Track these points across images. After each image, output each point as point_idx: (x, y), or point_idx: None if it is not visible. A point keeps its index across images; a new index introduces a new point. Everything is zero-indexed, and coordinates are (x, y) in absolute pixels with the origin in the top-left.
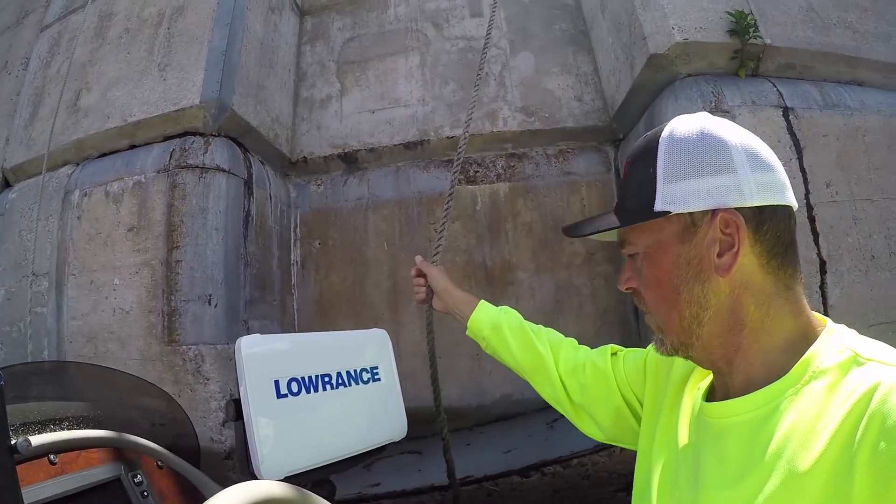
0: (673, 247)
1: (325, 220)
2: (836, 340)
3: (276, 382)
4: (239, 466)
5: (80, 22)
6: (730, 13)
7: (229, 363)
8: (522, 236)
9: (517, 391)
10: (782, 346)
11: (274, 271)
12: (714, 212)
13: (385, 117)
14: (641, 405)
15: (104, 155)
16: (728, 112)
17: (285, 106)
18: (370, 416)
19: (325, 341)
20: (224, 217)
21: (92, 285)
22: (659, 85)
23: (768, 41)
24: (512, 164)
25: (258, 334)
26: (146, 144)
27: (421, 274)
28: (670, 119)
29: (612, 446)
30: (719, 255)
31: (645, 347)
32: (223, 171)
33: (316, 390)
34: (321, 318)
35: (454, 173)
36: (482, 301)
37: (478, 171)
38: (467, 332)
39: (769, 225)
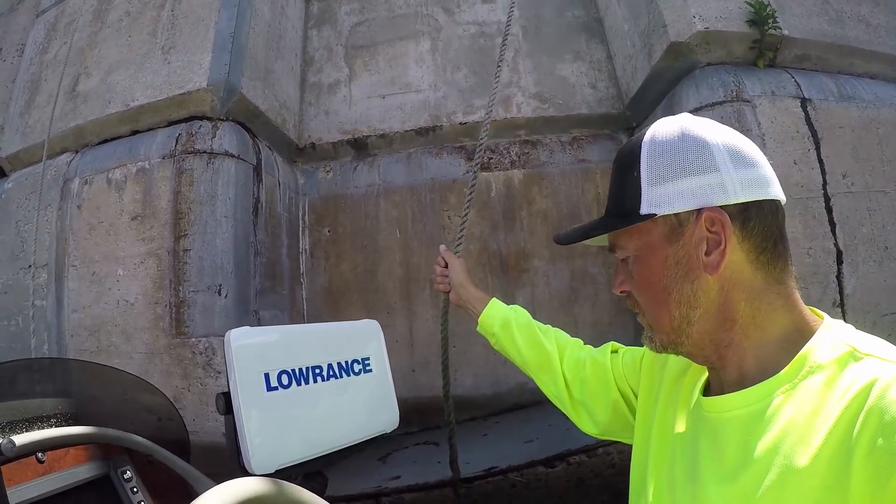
0: (661, 248)
1: (334, 208)
2: (833, 336)
3: (267, 375)
4: (229, 461)
5: (78, 6)
6: (749, 3)
7: None
8: (538, 224)
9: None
10: (776, 340)
11: (283, 260)
12: (699, 211)
13: (396, 102)
14: (637, 398)
15: (105, 142)
16: (749, 101)
17: (292, 91)
18: (362, 408)
19: (315, 333)
20: (234, 204)
21: (94, 277)
22: (677, 73)
23: (786, 32)
24: (526, 150)
25: (248, 326)
26: (149, 130)
27: (444, 263)
28: (691, 106)
29: None
30: (707, 254)
31: None
32: (232, 156)
33: (307, 382)
34: (331, 307)
35: (475, 164)
36: (494, 299)
37: (491, 158)
38: (478, 328)
39: (756, 220)
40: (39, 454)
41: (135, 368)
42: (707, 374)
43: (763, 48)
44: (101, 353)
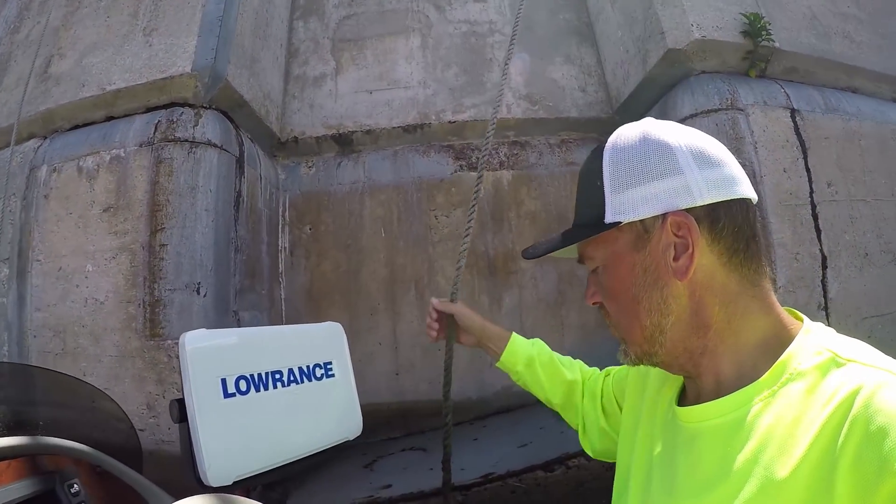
0: (628, 256)
1: (316, 205)
2: (813, 341)
3: (224, 380)
4: (183, 472)
5: None
6: (744, 15)
7: None
8: (526, 225)
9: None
10: (753, 346)
11: (263, 258)
12: (664, 216)
13: (384, 98)
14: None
15: (77, 127)
16: (742, 110)
17: (276, 82)
18: (324, 414)
19: (275, 336)
20: (215, 197)
21: (60, 272)
22: (671, 80)
23: (777, 44)
24: (515, 151)
25: (204, 329)
26: (126, 116)
27: (439, 313)
28: (686, 112)
29: None
30: (675, 259)
31: None
32: (215, 146)
33: (266, 388)
34: (311, 308)
35: (479, 177)
36: (514, 334)
37: (480, 158)
38: (497, 364)
39: (725, 221)
40: None
41: (104, 372)
42: (682, 382)
43: (755, 59)
44: (67, 356)
